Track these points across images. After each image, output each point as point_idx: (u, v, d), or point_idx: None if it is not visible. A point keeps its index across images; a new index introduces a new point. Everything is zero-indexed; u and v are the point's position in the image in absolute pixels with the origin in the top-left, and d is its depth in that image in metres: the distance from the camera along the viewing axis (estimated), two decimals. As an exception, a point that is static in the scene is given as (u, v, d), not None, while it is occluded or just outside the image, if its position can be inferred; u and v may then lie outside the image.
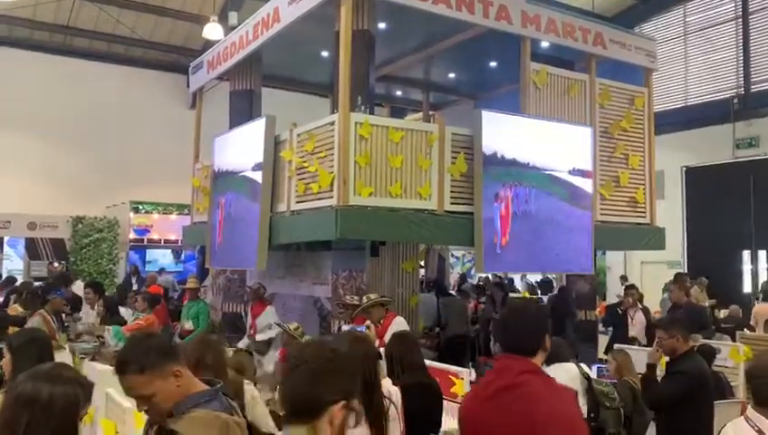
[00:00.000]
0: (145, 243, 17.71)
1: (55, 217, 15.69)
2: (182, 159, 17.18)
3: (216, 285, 11.28)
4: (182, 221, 18.16)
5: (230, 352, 7.43)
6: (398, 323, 5.99)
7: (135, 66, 18.27)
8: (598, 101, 8.58)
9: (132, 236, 17.22)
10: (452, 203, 7.17)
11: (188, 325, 8.69)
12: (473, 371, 5.57)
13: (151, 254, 17.46)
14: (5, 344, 3.09)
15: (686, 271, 14.39)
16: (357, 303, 6.87)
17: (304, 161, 7.25)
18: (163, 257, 17.66)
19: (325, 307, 7.78)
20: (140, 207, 17.08)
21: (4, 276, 13.79)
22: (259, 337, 7.69)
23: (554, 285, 17.66)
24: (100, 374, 5.63)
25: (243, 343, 7.89)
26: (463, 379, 5.06)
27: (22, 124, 16.39)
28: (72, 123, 16.90)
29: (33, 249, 15.83)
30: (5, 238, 15.90)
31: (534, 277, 17.03)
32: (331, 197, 6.66)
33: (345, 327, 5.94)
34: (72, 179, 16.95)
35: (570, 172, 7.88)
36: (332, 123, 6.73)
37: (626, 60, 8.96)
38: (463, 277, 15.22)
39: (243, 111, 9.90)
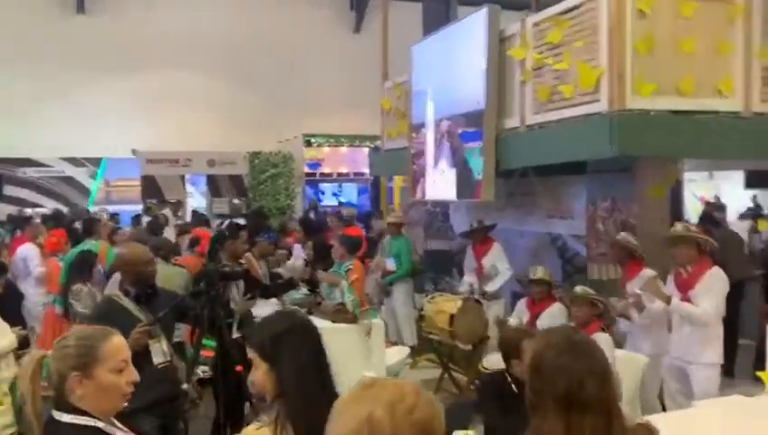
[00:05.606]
0: (317, 177, 17.19)
1: (232, 154, 15.43)
2: (349, 87, 16.18)
3: (406, 219, 10.12)
4: (352, 153, 17.36)
5: (458, 301, 6.18)
6: (719, 277, 4.30)
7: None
8: None
9: (306, 170, 16.74)
10: (762, 101, 5.15)
11: (390, 265, 7.57)
12: None
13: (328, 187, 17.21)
14: (248, 344, 1.85)
15: None
16: (632, 245, 5.20)
17: (546, 58, 5.54)
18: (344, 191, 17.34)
19: (571, 247, 6.18)
20: (312, 139, 16.43)
21: (189, 215, 13.71)
22: (489, 287, 6.30)
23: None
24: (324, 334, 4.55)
25: (465, 286, 6.58)
26: None
27: (191, 63, 16.16)
28: (238, 57, 16.38)
29: (213, 186, 15.77)
30: (187, 176, 15.92)
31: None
32: (597, 100, 4.92)
33: None
34: (243, 114, 16.58)
35: None
36: (599, -4, 4.91)
37: None
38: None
39: (439, 13, 8.35)
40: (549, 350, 1.67)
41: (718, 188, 15.01)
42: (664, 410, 4.48)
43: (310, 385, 1.77)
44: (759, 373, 3.91)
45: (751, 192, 13.37)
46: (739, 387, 4.48)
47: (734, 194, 14.20)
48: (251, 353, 1.84)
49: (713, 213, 8.34)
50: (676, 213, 8.81)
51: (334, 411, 1.29)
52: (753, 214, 13.26)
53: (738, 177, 12.42)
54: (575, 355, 1.64)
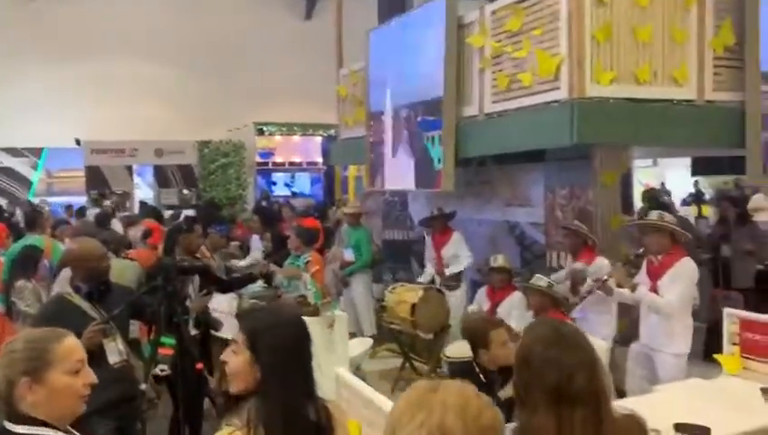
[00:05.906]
0: (270, 166, 16.93)
1: (181, 143, 15.00)
2: (301, 75, 15.94)
3: (364, 208, 10.04)
4: (305, 142, 17.16)
5: (419, 290, 6.14)
6: (687, 266, 4.34)
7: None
8: None
9: (257, 159, 16.46)
10: (714, 90, 5.26)
11: (348, 256, 7.48)
12: None
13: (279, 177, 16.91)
14: (240, 326, 1.74)
15: None
16: (585, 231, 5.29)
17: (504, 46, 5.52)
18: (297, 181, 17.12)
19: (529, 235, 6.22)
20: (264, 128, 16.14)
21: (137, 206, 13.28)
22: (449, 271, 6.31)
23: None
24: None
25: (427, 276, 6.57)
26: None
27: (137, 50, 15.63)
28: (185, 44, 15.94)
29: (162, 177, 15.32)
30: (134, 167, 15.41)
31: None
32: (557, 88, 4.93)
33: None
34: (192, 102, 16.16)
35: None
36: (558, -15, 4.91)
37: None
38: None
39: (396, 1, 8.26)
40: (537, 343, 1.62)
41: (663, 175, 15.42)
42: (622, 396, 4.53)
43: (290, 387, 1.68)
44: (716, 356, 4.00)
45: (696, 179, 13.77)
46: (694, 369, 4.55)
47: (680, 181, 14.64)
48: (238, 336, 1.74)
49: (659, 198, 8.52)
50: (627, 200, 9.00)
51: (397, 417, 1.22)
52: (696, 199, 13.72)
53: (684, 164, 12.81)
54: (563, 348, 1.60)
